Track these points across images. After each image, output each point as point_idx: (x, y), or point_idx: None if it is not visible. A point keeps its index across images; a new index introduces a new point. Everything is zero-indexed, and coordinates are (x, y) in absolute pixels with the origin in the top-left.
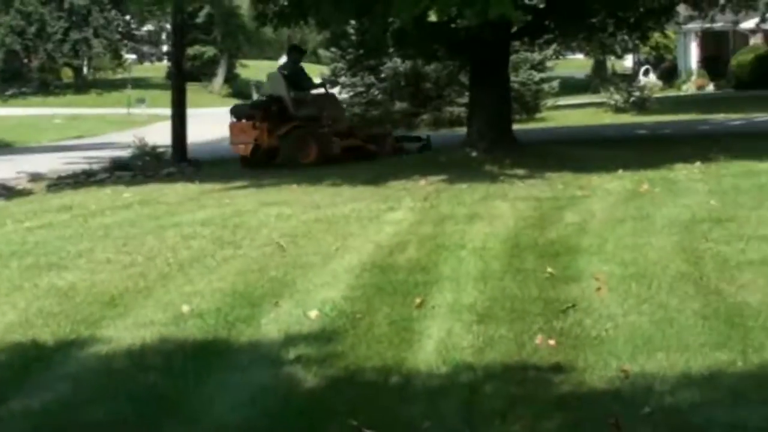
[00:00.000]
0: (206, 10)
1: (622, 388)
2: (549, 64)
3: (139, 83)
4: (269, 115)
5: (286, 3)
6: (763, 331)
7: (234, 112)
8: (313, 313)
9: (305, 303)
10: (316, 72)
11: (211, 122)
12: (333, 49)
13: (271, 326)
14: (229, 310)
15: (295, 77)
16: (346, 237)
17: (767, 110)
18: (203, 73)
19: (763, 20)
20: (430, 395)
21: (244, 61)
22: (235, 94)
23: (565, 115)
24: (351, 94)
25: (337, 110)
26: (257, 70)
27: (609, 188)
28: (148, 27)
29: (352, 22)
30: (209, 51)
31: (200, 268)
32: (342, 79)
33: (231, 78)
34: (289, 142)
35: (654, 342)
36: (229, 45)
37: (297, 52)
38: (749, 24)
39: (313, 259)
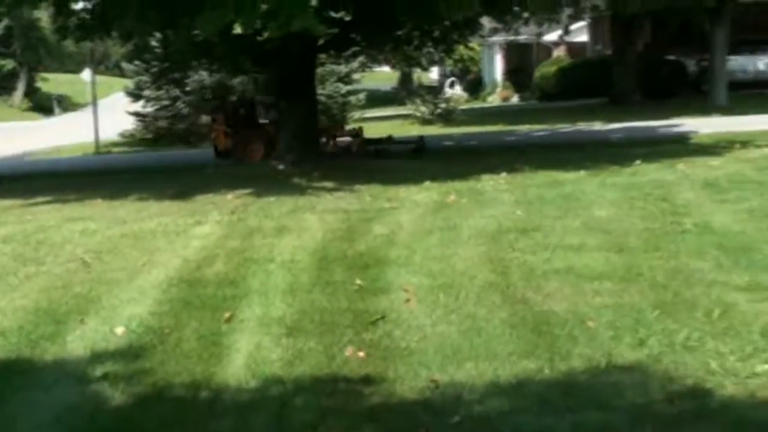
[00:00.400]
0: (5, 22)
1: (432, 399)
2: (356, 76)
3: None
4: (231, 118)
5: (87, 16)
6: (569, 339)
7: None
8: (120, 330)
9: (112, 319)
10: (120, 85)
11: (11, 136)
12: (137, 62)
13: (76, 343)
14: (33, 328)
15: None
16: (153, 252)
17: (570, 121)
18: (2, 86)
19: (565, 32)
20: (240, 410)
21: (45, 75)
22: (35, 108)
23: (372, 127)
24: (156, 107)
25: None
26: (57, 83)
27: (417, 200)
28: None
29: (157, 34)
30: (8, 64)
31: (2, 286)
32: (146, 93)
33: (31, 91)
34: (237, 142)
35: (463, 352)
36: (29, 58)
37: None
38: (552, 36)
39: (119, 275)
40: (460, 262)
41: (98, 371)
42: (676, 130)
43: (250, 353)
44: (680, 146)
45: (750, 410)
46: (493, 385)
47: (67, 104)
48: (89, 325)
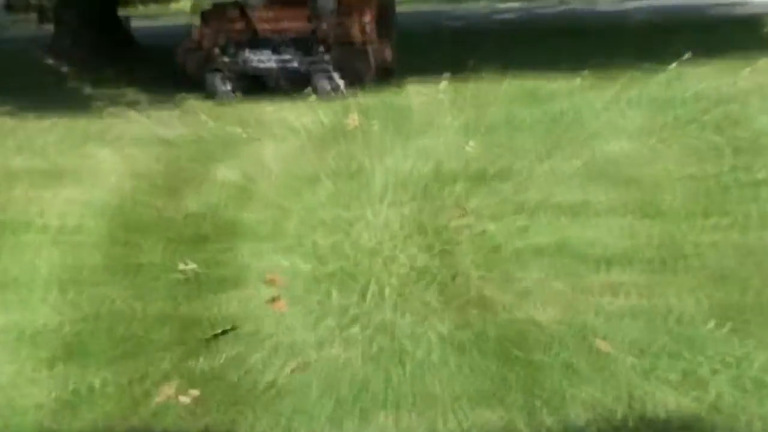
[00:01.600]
0: None
1: None
2: None
3: None
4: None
5: None
6: (562, 374)
7: None
8: None
9: None
10: None
11: None
12: None
13: None
14: None
15: None
16: None
17: None
18: None
19: None
20: None
21: None
22: None
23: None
24: None
25: None
26: None
27: (293, 123)
28: None
29: None
30: None
31: None
32: None
33: None
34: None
35: (371, 393)
36: None
37: None
38: None
39: None
40: (366, 234)
41: None
42: (738, 8)
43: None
44: (748, 35)
45: None
46: None
47: None
48: None
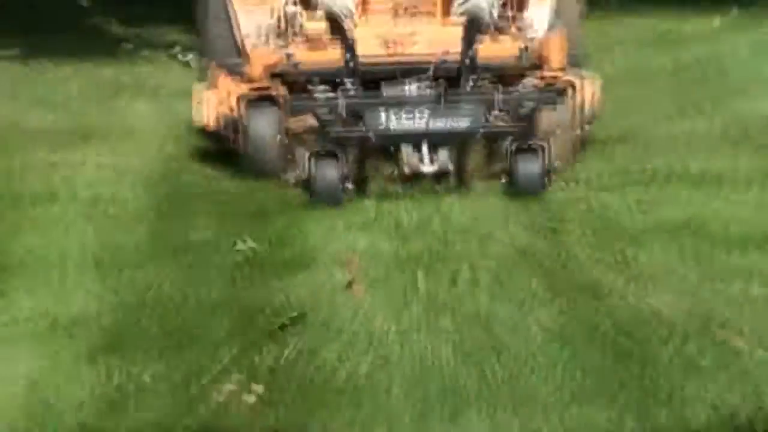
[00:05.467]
0: None
1: None
2: None
3: None
4: None
5: None
6: (680, 368)
7: None
8: None
9: None
10: None
11: None
12: None
13: None
14: None
15: None
16: None
17: None
18: None
19: None
20: None
21: None
22: None
23: None
24: None
25: None
26: None
27: None
28: None
29: None
30: None
31: None
32: None
33: None
34: None
35: (465, 393)
36: None
37: None
38: None
39: None
40: (458, 208)
41: None
42: None
43: (27, 388)
44: None
45: None
46: None
47: None
48: None
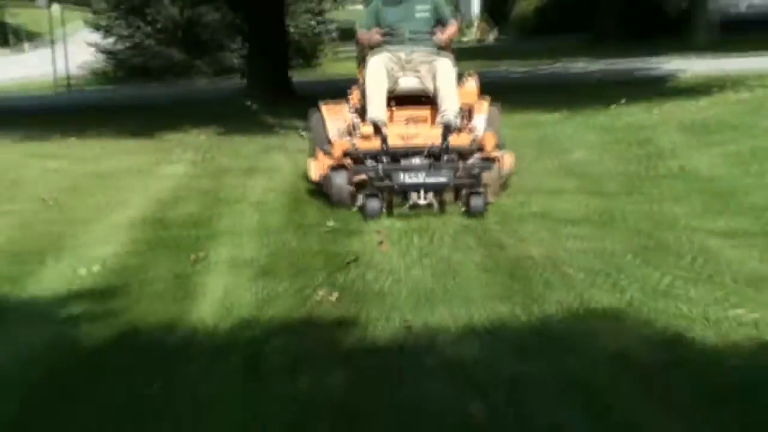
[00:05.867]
0: None
1: (406, 342)
2: (328, 12)
3: None
4: None
5: None
6: (545, 284)
7: None
8: (88, 270)
9: (79, 260)
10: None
11: None
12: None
13: (42, 284)
14: (1, 267)
15: None
16: (122, 191)
17: (549, 60)
18: None
19: None
20: (212, 353)
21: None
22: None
23: (345, 64)
24: (126, 45)
25: None
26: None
27: None
28: None
29: None
30: None
31: None
32: (115, 30)
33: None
34: None
35: (436, 295)
36: None
37: None
38: None
39: (86, 214)
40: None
41: (64, 312)
42: (656, 71)
43: (222, 295)
44: (661, 87)
45: (723, 355)
46: (468, 329)
47: (28, 38)
48: (55, 265)
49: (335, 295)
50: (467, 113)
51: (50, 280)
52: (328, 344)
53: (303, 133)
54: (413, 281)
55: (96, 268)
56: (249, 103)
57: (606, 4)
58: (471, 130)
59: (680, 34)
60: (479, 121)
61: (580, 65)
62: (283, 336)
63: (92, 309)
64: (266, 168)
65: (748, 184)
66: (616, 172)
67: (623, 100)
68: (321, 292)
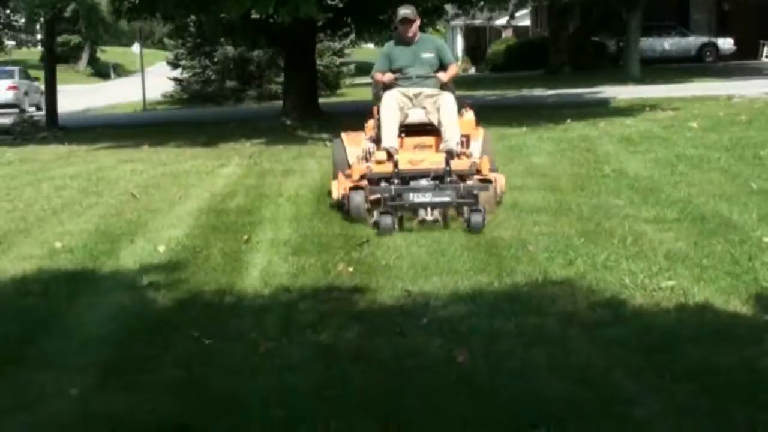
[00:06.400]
0: (72, 6)
1: (405, 305)
2: (347, 51)
3: (18, 64)
4: None
5: (137, 0)
6: (513, 259)
7: None
8: (162, 248)
9: (155, 240)
10: (163, 57)
11: (76, 96)
12: (176, 39)
13: (128, 259)
14: (94, 246)
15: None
16: (188, 187)
17: (516, 88)
18: (71, 56)
19: (512, 18)
20: (256, 312)
21: (104, 47)
22: (96, 74)
23: (360, 91)
24: (190, 74)
25: None
26: (113, 54)
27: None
28: (23, 18)
29: (192, 16)
30: (75, 39)
31: (70, 213)
32: (183, 62)
33: (93, 61)
34: None
35: (430, 268)
36: (91, 34)
37: None
38: (502, 21)
39: (161, 205)
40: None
41: (145, 280)
42: (598, 96)
43: (264, 268)
44: (602, 108)
45: (655, 317)
46: (454, 294)
47: (120, 71)
48: (138, 244)
49: (351, 268)
50: (465, 140)
51: (135, 255)
52: (345, 306)
53: (327, 143)
54: (412, 257)
55: (169, 246)
56: (287, 120)
57: (558, 44)
58: (468, 156)
59: (616, 68)
60: (475, 147)
61: (538, 92)
62: (311, 299)
63: (166, 277)
64: (299, 170)
65: (669, 182)
66: (568, 173)
67: (568, 120)
68: (340, 266)
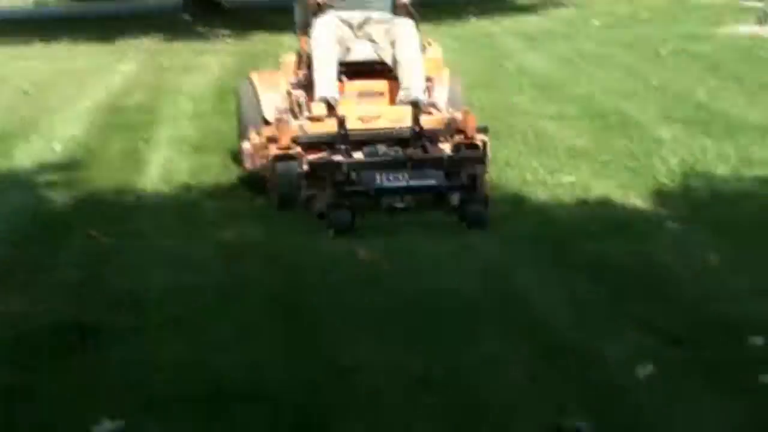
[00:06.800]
0: None
1: None
2: None
3: None
4: None
5: None
6: None
7: None
8: (58, 147)
9: (51, 138)
10: None
11: None
12: None
13: (23, 158)
14: None
15: None
16: (84, 85)
17: None
18: None
19: None
20: (155, 210)
21: None
22: None
23: None
24: None
25: None
26: None
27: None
28: None
29: None
30: None
31: None
32: None
33: None
34: None
35: None
36: None
37: None
38: None
39: (56, 103)
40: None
41: (40, 180)
42: None
43: (164, 166)
44: (505, 6)
45: (555, 210)
46: None
47: None
48: (33, 143)
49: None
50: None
51: (31, 155)
52: (247, 205)
53: (229, 40)
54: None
55: (66, 144)
56: (186, 16)
57: None
58: (439, 109)
59: None
60: (440, 93)
61: None
62: (212, 198)
63: (63, 177)
64: (199, 67)
65: (571, 80)
66: (471, 70)
67: (474, 17)
68: (241, 165)
